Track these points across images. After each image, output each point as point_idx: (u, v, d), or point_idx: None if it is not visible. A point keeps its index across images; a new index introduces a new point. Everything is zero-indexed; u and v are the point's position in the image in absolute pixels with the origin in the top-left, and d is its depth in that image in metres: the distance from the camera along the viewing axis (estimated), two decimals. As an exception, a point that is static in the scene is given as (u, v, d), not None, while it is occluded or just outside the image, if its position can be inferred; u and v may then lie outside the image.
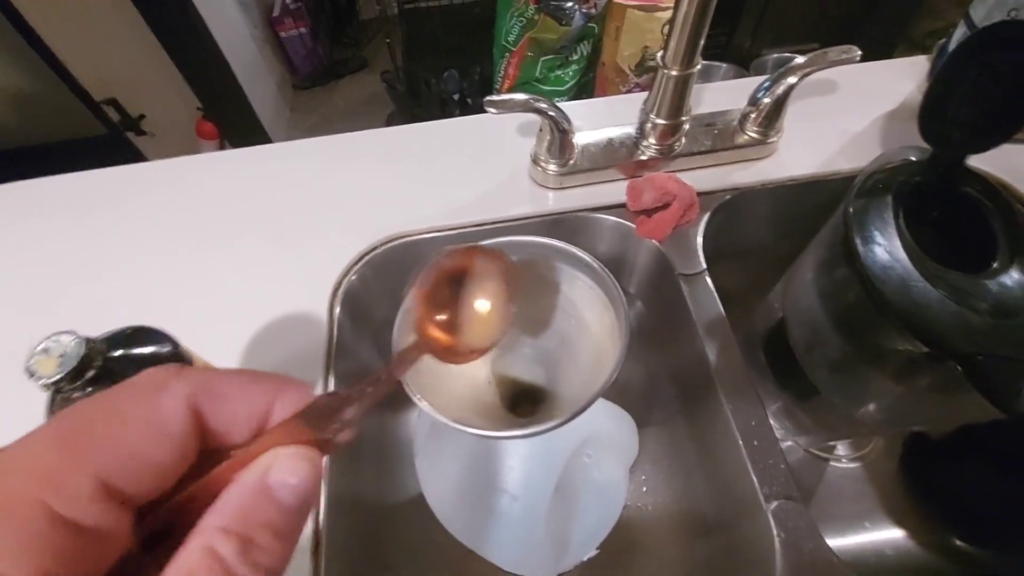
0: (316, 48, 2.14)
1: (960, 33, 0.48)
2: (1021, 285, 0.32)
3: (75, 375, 0.22)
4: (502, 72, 1.66)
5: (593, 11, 1.55)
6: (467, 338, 0.19)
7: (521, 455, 0.26)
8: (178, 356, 0.26)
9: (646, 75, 1.60)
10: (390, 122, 2.05)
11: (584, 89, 1.68)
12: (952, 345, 0.30)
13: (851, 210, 0.36)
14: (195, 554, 0.12)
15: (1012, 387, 0.28)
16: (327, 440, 0.15)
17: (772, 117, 0.47)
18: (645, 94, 0.47)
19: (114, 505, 0.12)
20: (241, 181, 0.51)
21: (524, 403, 0.20)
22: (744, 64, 1.69)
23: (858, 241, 0.34)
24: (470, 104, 1.81)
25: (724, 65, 1.78)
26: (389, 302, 0.51)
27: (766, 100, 0.46)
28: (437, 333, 0.19)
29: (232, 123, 1.77)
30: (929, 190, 0.38)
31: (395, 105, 1.97)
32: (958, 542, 0.46)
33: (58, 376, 0.21)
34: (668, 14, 1.48)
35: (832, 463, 0.51)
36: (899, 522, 0.47)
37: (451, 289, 0.20)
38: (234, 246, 0.47)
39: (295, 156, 0.53)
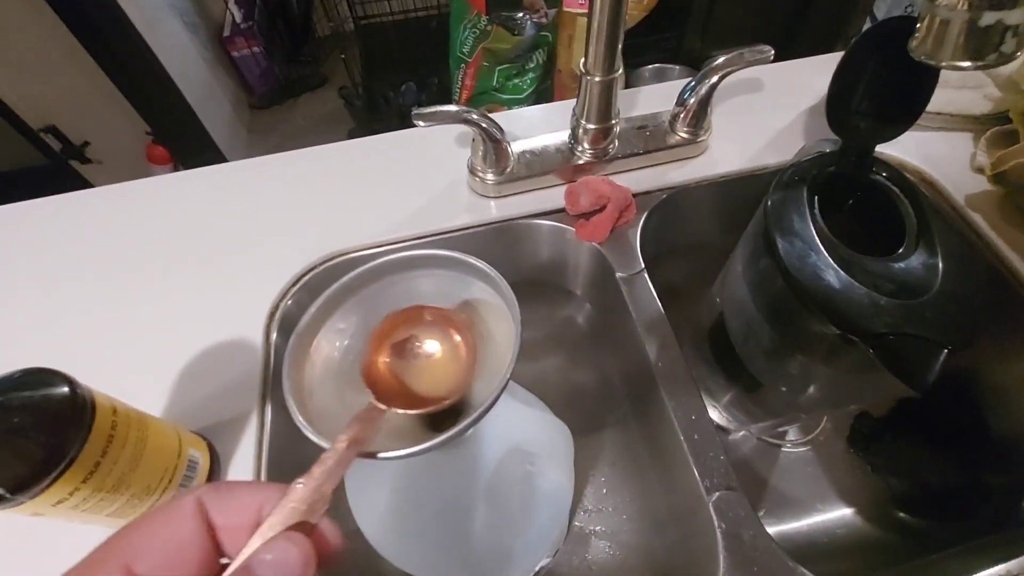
0: (271, 67, 2.11)
1: (866, 29, 0.51)
2: (925, 266, 0.33)
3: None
4: (459, 83, 1.66)
5: (544, 20, 1.57)
6: (423, 387, 0.20)
7: (448, 470, 0.26)
8: (75, 398, 0.25)
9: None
10: (351, 137, 2.04)
11: (543, 96, 1.70)
12: (862, 326, 0.31)
13: (769, 203, 0.37)
14: None
15: (918, 364, 0.29)
16: (310, 524, 0.16)
17: (699, 116, 0.48)
18: (568, 103, 0.48)
19: None
20: (173, 205, 0.50)
21: (447, 420, 0.20)
22: (696, 65, 1.74)
23: (775, 233, 0.35)
24: (428, 116, 1.81)
25: (677, 67, 1.82)
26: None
27: (692, 100, 0.48)
28: (393, 382, 0.20)
29: (185, 146, 1.73)
30: (842, 180, 0.39)
31: (355, 121, 1.96)
32: (902, 514, 0.48)
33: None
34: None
35: (784, 449, 0.52)
36: (847, 501, 0.49)
37: (400, 345, 0.20)
38: (165, 274, 0.45)
39: (231, 178, 0.52)
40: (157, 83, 1.52)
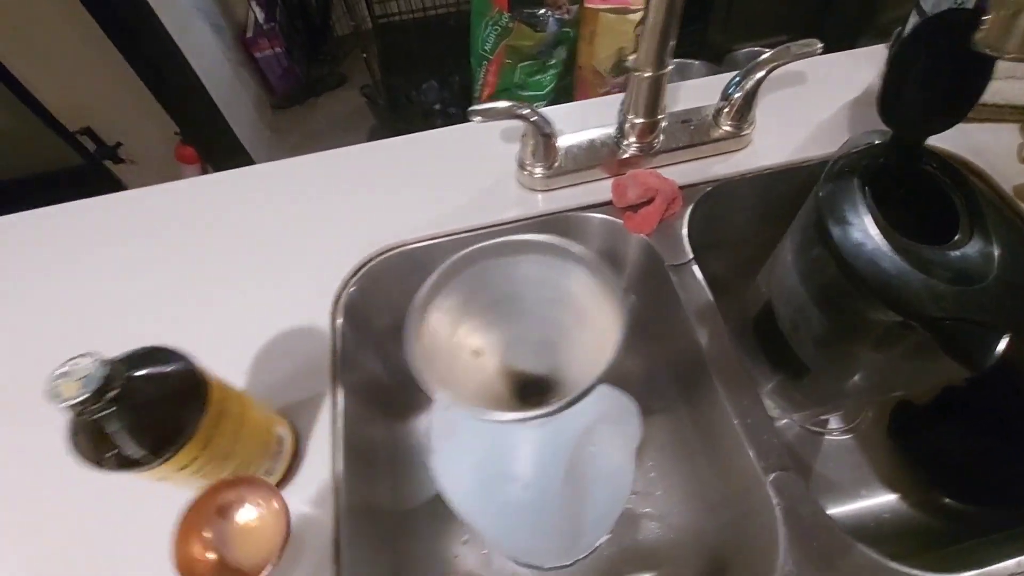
0: (292, 67, 2.14)
1: (913, 21, 0.51)
2: (981, 254, 0.34)
3: (97, 396, 0.23)
4: (481, 80, 1.68)
5: (566, 16, 1.58)
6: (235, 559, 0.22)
7: (532, 445, 0.27)
8: (194, 373, 0.27)
9: (623, 76, 1.63)
10: (372, 136, 2.06)
11: (563, 93, 1.71)
12: (921, 312, 0.32)
13: (821, 194, 0.38)
14: None
15: (977, 347, 0.30)
16: None
17: (744, 111, 0.49)
18: (622, 96, 0.49)
19: None
20: (235, 202, 0.52)
21: (532, 394, 0.22)
22: (717, 60, 1.73)
23: (830, 222, 0.36)
24: (451, 114, 1.83)
25: (697, 62, 1.82)
26: (388, 311, 0.53)
27: (737, 95, 0.49)
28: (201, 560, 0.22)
29: (212, 147, 1.76)
30: (892, 171, 0.40)
31: (376, 119, 1.98)
32: (947, 500, 0.48)
33: (82, 397, 0.22)
34: (640, 15, 1.51)
35: (827, 437, 0.53)
36: (892, 487, 0.50)
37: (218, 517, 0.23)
38: (234, 265, 0.48)
39: (286, 175, 0.54)
40: (187, 85, 1.55)
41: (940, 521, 0.47)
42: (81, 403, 0.23)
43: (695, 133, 0.51)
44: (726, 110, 0.50)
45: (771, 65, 0.47)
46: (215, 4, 1.81)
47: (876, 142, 0.42)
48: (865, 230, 0.36)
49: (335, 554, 0.34)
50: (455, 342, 0.23)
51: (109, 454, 0.24)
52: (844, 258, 0.34)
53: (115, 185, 1.74)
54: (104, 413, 0.24)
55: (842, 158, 0.40)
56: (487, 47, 1.64)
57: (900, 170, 0.40)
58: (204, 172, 1.77)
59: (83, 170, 1.70)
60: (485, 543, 0.39)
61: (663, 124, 0.48)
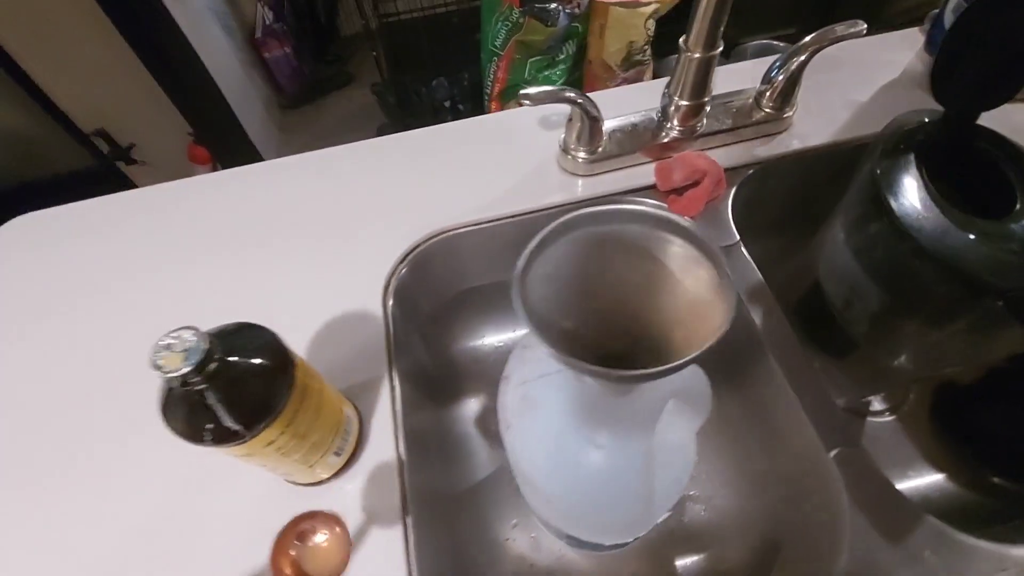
0: (300, 67, 2.14)
1: (954, 1, 0.51)
2: (1045, 225, 0.34)
3: (199, 368, 0.23)
4: (491, 76, 1.68)
5: (577, 10, 1.58)
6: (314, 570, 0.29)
7: (614, 418, 0.27)
8: (282, 349, 0.27)
9: (633, 69, 1.63)
10: (381, 134, 2.07)
11: (573, 87, 1.71)
12: (988, 284, 0.32)
13: (878, 171, 0.38)
14: None
15: (1052, 315, 0.30)
16: None
17: (787, 93, 0.50)
18: (647, 83, 0.49)
19: None
20: (283, 191, 0.53)
21: (619, 367, 0.22)
22: (725, 53, 1.73)
23: (890, 198, 0.36)
24: (461, 110, 1.83)
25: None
26: (434, 296, 0.53)
27: (780, 77, 0.49)
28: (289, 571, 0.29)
29: (225, 147, 1.77)
30: (945, 148, 0.40)
31: (386, 116, 1.99)
32: (995, 479, 0.48)
33: (186, 369, 0.23)
34: (650, 9, 1.51)
35: (869, 419, 0.53)
36: (939, 467, 0.50)
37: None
38: (286, 251, 0.48)
39: (325, 165, 0.55)
40: (200, 85, 1.56)
41: (990, 500, 0.47)
42: (184, 375, 0.23)
43: (737, 116, 0.51)
44: (768, 93, 0.50)
45: (815, 47, 0.47)
46: (226, 5, 1.81)
47: (926, 120, 0.42)
48: (926, 205, 0.36)
49: (404, 534, 0.35)
50: (557, 300, 0.23)
51: (208, 426, 0.24)
52: (907, 232, 0.35)
53: (127, 187, 1.74)
54: (203, 386, 0.24)
55: (894, 136, 0.40)
56: (497, 43, 1.64)
57: (953, 147, 0.40)
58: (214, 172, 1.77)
59: (95, 172, 1.71)
60: (545, 522, 0.39)
61: (708, 108, 0.48)
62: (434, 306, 0.53)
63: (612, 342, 0.22)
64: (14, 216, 0.55)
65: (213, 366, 0.24)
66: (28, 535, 0.36)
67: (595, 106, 0.46)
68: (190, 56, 1.45)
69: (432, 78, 1.89)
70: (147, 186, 0.55)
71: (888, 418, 0.53)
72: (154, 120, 1.64)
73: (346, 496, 0.36)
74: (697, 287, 0.23)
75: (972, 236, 0.34)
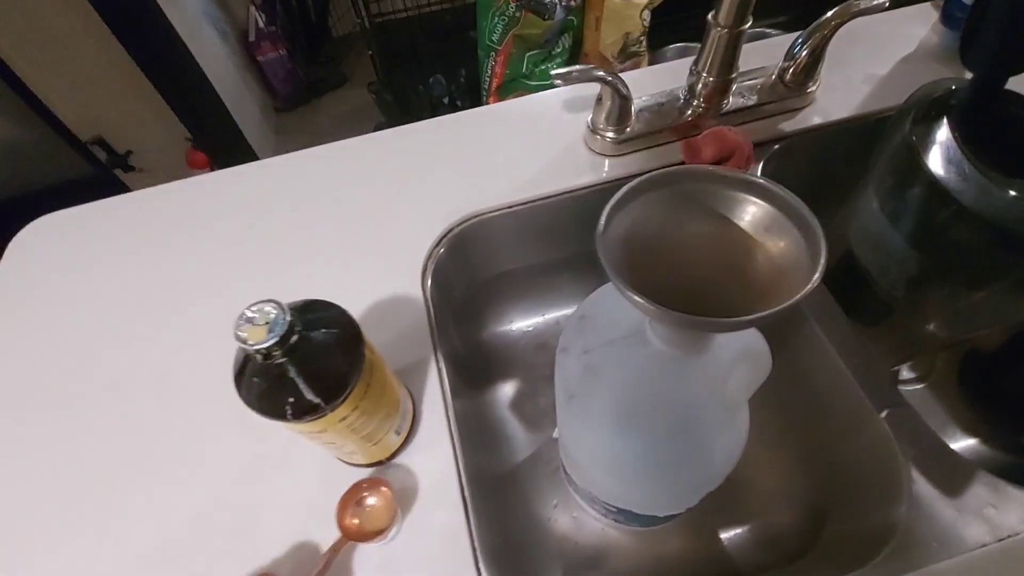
0: (294, 69, 2.13)
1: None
2: (1081, 183, 0.35)
3: (283, 341, 0.23)
4: (489, 71, 1.68)
5: (573, 3, 1.58)
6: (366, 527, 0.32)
7: (681, 381, 0.28)
8: (353, 323, 0.27)
9: (629, 61, 1.64)
10: (378, 134, 2.06)
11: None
12: (1036, 240, 0.32)
13: (914, 137, 0.39)
14: None
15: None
16: None
17: (810, 68, 0.50)
18: (667, 64, 0.49)
19: None
20: (312, 180, 0.53)
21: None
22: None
23: (928, 163, 0.37)
24: (459, 106, 1.83)
25: (698, 45, 1.83)
26: (466, 281, 0.53)
27: (803, 54, 0.49)
28: (350, 524, 0.32)
29: (222, 151, 1.76)
30: (974, 112, 0.41)
31: (384, 115, 1.98)
32: (1029, 441, 0.49)
33: (271, 342, 0.23)
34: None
35: (900, 387, 0.54)
36: (972, 432, 0.50)
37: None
38: (322, 239, 0.48)
39: (357, 154, 0.55)
40: (199, 90, 1.55)
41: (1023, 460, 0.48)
42: (268, 348, 0.23)
43: (761, 92, 0.51)
44: (791, 69, 0.51)
45: (837, 21, 0.47)
46: (219, 9, 1.80)
47: (953, 87, 0.43)
48: (963, 168, 0.36)
49: (465, 513, 0.35)
50: (642, 251, 0.24)
51: (290, 400, 0.24)
52: (950, 195, 0.35)
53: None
54: (284, 359, 0.24)
55: (927, 103, 0.41)
56: (494, 38, 1.64)
57: (983, 111, 0.41)
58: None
59: (92, 180, 1.69)
60: (593, 498, 0.40)
61: (735, 84, 0.49)
62: (465, 292, 0.53)
63: (684, 304, 0.22)
64: (12, 228, 0.54)
65: (295, 339, 0.24)
66: (98, 527, 0.36)
67: (626, 85, 0.46)
68: (188, 61, 1.44)
69: (429, 75, 1.89)
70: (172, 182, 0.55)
71: (918, 386, 0.54)
72: (151, 126, 1.63)
73: (405, 475, 0.36)
74: (777, 246, 0.23)
75: (1013, 193, 0.34)
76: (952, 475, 0.34)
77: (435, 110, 1.82)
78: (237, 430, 0.38)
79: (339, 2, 2.33)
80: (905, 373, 0.55)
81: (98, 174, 1.67)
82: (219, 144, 1.73)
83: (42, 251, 0.51)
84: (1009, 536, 0.31)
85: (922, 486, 0.34)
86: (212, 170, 1.84)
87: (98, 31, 1.28)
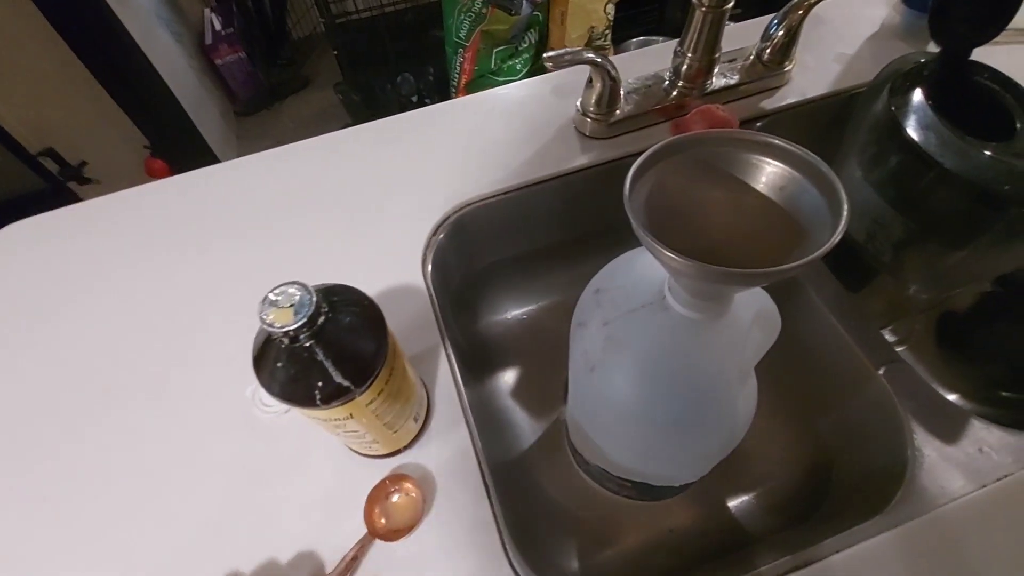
0: (255, 72, 2.07)
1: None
2: (1047, 140, 0.37)
3: (311, 322, 0.22)
4: (458, 68, 1.67)
5: (538, -1, 1.59)
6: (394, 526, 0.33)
7: (701, 345, 0.28)
8: (375, 307, 0.27)
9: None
10: (346, 136, 2.02)
11: (537, 76, 1.72)
12: (1011, 194, 0.35)
13: (893, 108, 0.41)
14: None
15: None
16: None
17: (786, 48, 0.52)
18: (647, 49, 0.50)
19: None
20: (302, 173, 0.51)
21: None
22: (677, 34, 1.78)
23: (909, 130, 0.39)
24: (428, 104, 1.81)
25: (661, 38, 1.87)
26: (462, 271, 0.53)
27: (779, 33, 0.51)
28: (378, 524, 0.33)
29: (183, 158, 1.69)
30: (946, 83, 0.43)
31: (351, 116, 1.95)
32: (1003, 393, 0.52)
33: (299, 323, 0.22)
34: (611, -7, 1.54)
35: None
36: (953, 389, 0.53)
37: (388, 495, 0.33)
38: (316, 231, 0.47)
39: (347, 144, 0.54)
40: (156, 96, 1.49)
41: (1002, 411, 0.51)
42: (296, 329, 0.22)
43: (741, 72, 0.53)
44: (768, 49, 0.52)
45: (810, 2, 0.49)
46: (172, 11, 1.73)
47: (922, 60, 0.45)
48: (942, 133, 0.38)
49: (488, 497, 0.34)
50: (661, 208, 0.24)
51: (319, 383, 0.24)
52: (931, 158, 0.37)
53: (82, 207, 1.64)
54: (311, 342, 0.23)
55: (903, 76, 0.43)
56: (462, 34, 1.63)
57: (952, 81, 0.43)
58: (178, 185, 1.69)
59: (44, 194, 1.60)
60: (604, 473, 0.40)
61: (718, 64, 0.50)
62: (461, 282, 0.53)
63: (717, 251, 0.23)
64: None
65: (322, 320, 0.23)
66: (100, 537, 0.34)
67: (615, 67, 0.47)
68: (143, 65, 1.38)
69: (396, 74, 1.87)
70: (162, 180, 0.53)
71: (899, 349, 0.57)
72: (106, 135, 1.55)
73: (423, 465, 0.35)
74: (795, 204, 0.24)
75: (989, 153, 0.36)
76: (949, 423, 0.35)
77: (404, 109, 1.79)
78: (243, 433, 0.37)
79: (298, 3, 2.27)
80: (887, 337, 0.57)
81: (50, 188, 1.58)
82: (179, 151, 1.66)
83: (11, 259, 0.49)
84: (1007, 475, 0.33)
85: (922, 436, 0.35)
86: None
87: (44, 34, 1.21)
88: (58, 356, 0.42)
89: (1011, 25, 0.54)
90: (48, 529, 0.35)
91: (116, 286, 0.45)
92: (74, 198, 1.65)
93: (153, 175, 1.69)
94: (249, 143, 2.12)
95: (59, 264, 0.48)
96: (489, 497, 0.34)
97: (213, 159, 1.78)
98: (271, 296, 0.23)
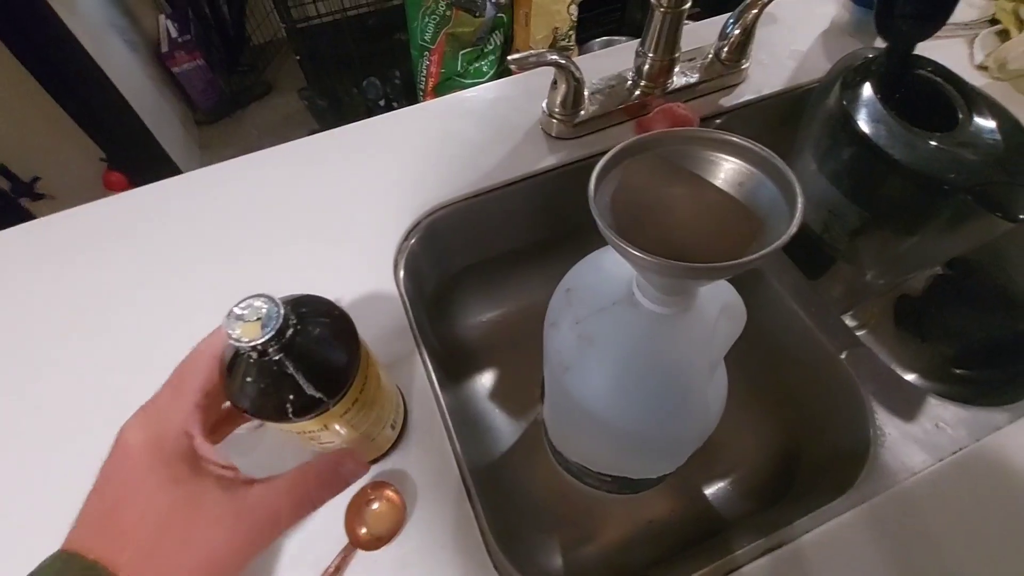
0: (215, 80, 2.02)
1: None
2: (985, 130, 0.40)
3: (280, 335, 0.22)
4: (424, 71, 1.66)
5: (502, 0, 1.59)
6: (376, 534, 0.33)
7: (671, 339, 0.29)
8: (346, 317, 0.26)
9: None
10: (313, 142, 1.99)
11: (503, 77, 1.73)
12: (958, 182, 0.36)
13: (844, 102, 0.43)
14: None
15: (1012, 203, 0.35)
16: None
17: (743, 46, 0.53)
18: (611, 49, 0.51)
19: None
20: (269, 183, 0.51)
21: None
22: (638, 34, 1.81)
23: (860, 124, 0.41)
24: (396, 107, 1.80)
25: (624, 39, 1.90)
26: (434, 277, 0.53)
27: (736, 32, 0.53)
28: (360, 533, 0.32)
29: (143, 170, 1.64)
30: (892, 77, 0.45)
31: (317, 121, 1.92)
32: (958, 371, 0.55)
33: (267, 337, 0.22)
34: (573, -7, 1.55)
35: (847, 334, 0.59)
36: (910, 368, 0.56)
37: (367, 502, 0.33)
38: (284, 242, 0.46)
39: (312, 151, 0.53)
40: (111, 107, 1.44)
41: (958, 388, 0.54)
42: (264, 343, 0.22)
43: (701, 71, 0.54)
44: (726, 48, 0.54)
45: (763, 1, 0.51)
46: (126, 20, 1.68)
47: (870, 56, 0.47)
48: (891, 126, 0.40)
49: (469, 500, 0.35)
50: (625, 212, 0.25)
51: (290, 397, 0.23)
52: (881, 150, 0.39)
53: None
54: (281, 355, 0.23)
55: (848, 71, 0.45)
56: (427, 37, 1.62)
57: (898, 75, 0.45)
58: (139, 198, 1.64)
59: (-7, 212, 1.53)
60: (583, 469, 0.40)
61: (679, 63, 0.51)
62: (434, 287, 0.53)
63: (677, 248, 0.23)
64: None
65: (290, 332, 0.23)
66: None
67: (579, 68, 0.47)
68: (96, 75, 1.33)
69: (361, 79, 1.85)
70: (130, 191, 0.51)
71: (860, 333, 0.59)
72: (60, 148, 1.49)
73: (402, 471, 0.35)
74: (752, 198, 0.25)
75: (934, 144, 0.38)
76: (908, 402, 0.37)
77: (371, 113, 1.78)
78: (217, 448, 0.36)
79: (257, 8, 2.22)
80: (848, 321, 0.59)
81: (0, 205, 1.51)
82: (139, 162, 1.61)
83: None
84: (961, 448, 0.35)
85: (883, 416, 0.37)
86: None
87: (-12, 47, 1.16)
88: (8, 384, 0.40)
89: (951, 20, 0.57)
90: None
91: (73, 306, 0.44)
92: (27, 215, 1.58)
93: (112, 188, 1.64)
94: (213, 152, 2.07)
95: (11, 287, 0.46)
96: (471, 499, 0.34)
97: (175, 170, 1.72)
98: (236, 310, 0.22)
